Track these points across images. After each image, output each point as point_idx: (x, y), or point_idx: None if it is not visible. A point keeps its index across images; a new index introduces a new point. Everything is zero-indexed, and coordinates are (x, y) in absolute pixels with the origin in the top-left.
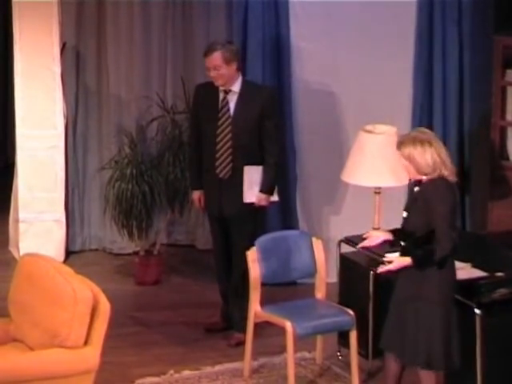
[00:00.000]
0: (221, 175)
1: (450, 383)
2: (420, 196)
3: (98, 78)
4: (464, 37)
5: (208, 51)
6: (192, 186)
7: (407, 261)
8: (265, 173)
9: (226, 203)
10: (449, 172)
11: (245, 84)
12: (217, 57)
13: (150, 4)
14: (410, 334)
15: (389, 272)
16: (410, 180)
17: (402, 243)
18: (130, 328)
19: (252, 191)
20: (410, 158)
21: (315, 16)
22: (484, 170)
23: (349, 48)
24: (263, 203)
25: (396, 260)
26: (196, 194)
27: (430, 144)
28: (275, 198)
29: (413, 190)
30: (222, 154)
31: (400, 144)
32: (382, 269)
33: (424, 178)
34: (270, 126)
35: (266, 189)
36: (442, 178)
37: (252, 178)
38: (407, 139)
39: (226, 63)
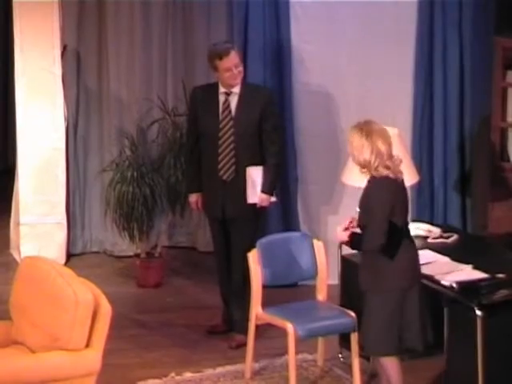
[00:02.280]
0: (224, 177)
1: None
2: (365, 193)
3: (98, 81)
4: (464, 38)
5: (225, 52)
6: (190, 189)
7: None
8: (266, 173)
9: (228, 205)
10: (391, 168)
11: (244, 85)
12: (235, 55)
13: (151, 6)
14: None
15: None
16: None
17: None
18: (131, 330)
19: (255, 192)
20: (351, 145)
21: (316, 17)
22: (484, 171)
23: (350, 49)
24: (264, 204)
25: (343, 233)
26: (193, 197)
27: (371, 137)
28: (274, 198)
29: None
30: (225, 156)
31: (350, 130)
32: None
33: (364, 171)
34: (269, 127)
35: (267, 189)
36: (383, 178)
37: (254, 178)
38: (356, 127)
39: (241, 60)
